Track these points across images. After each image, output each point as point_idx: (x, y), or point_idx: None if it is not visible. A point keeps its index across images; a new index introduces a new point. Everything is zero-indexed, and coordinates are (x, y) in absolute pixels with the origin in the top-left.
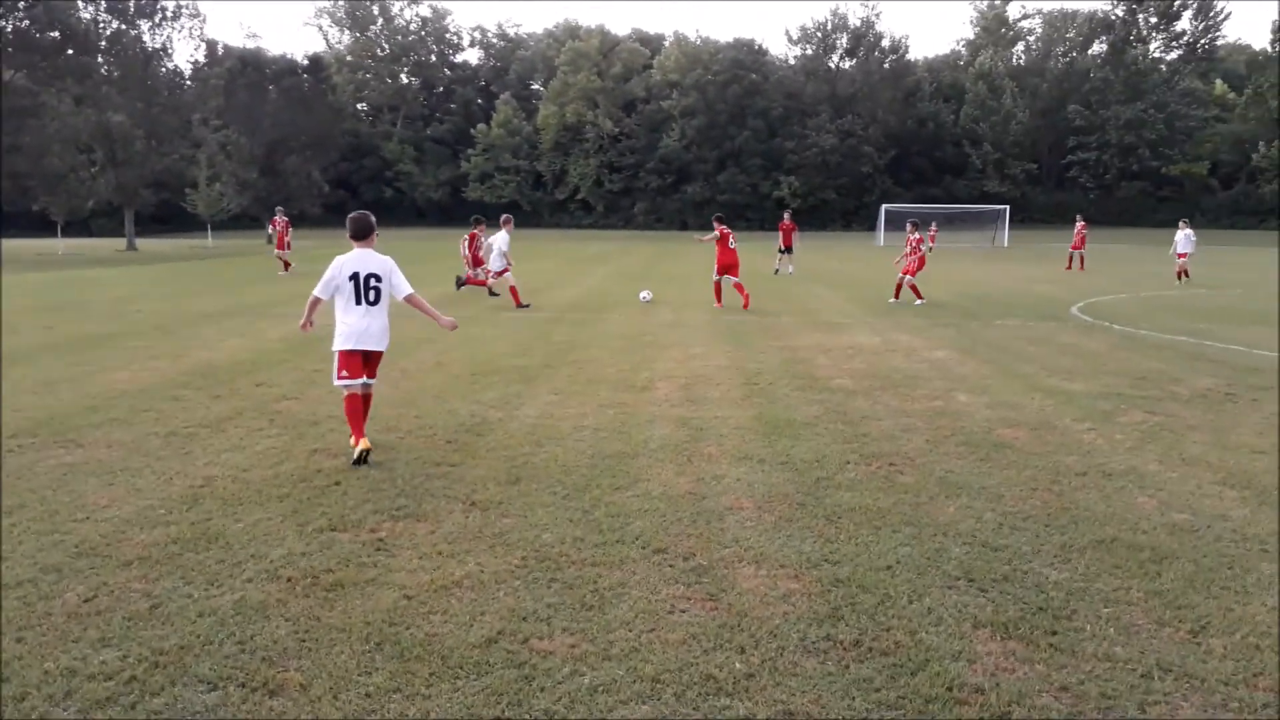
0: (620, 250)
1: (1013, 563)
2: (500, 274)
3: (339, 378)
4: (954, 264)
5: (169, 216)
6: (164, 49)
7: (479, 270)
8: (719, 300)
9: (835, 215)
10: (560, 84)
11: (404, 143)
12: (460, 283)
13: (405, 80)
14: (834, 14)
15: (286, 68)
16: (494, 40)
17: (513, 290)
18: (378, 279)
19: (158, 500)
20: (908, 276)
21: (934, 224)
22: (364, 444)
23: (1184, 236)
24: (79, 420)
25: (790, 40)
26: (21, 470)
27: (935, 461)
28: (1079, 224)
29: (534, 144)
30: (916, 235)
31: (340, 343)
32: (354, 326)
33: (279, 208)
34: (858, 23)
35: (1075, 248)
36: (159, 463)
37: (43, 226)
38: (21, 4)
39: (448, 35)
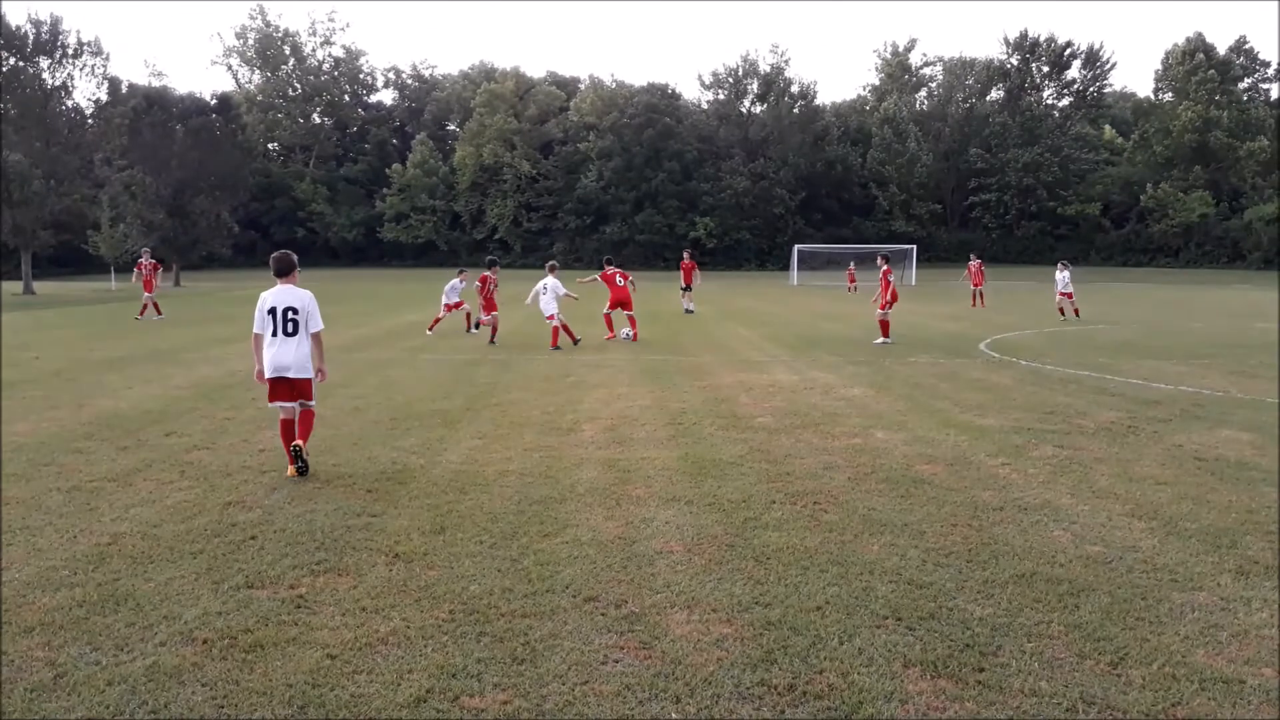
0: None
1: (938, 599)
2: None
3: (270, 402)
4: (865, 303)
5: (69, 259)
6: (64, 86)
7: (492, 315)
8: (610, 331)
9: (750, 255)
10: (477, 125)
11: (317, 183)
12: (475, 325)
13: (318, 120)
14: (744, 60)
15: (194, 107)
16: (409, 81)
17: (559, 330)
18: (295, 311)
19: (61, 560)
20: (882, 312)
21: (851, 263)
22: (291, 470)
23: (1061, 276)
24: None
25: (703, 85)
26: None
27: (858, 499)
28: (973, 262)
29: (450, 184)
30: (886, 267)
31: (267, 372)
32: (274, 356)
33: (145, 250)
34: (768, 69)
35: (976, 284)
36: (61, 520)
37: None
38: None
39: (361, 75)
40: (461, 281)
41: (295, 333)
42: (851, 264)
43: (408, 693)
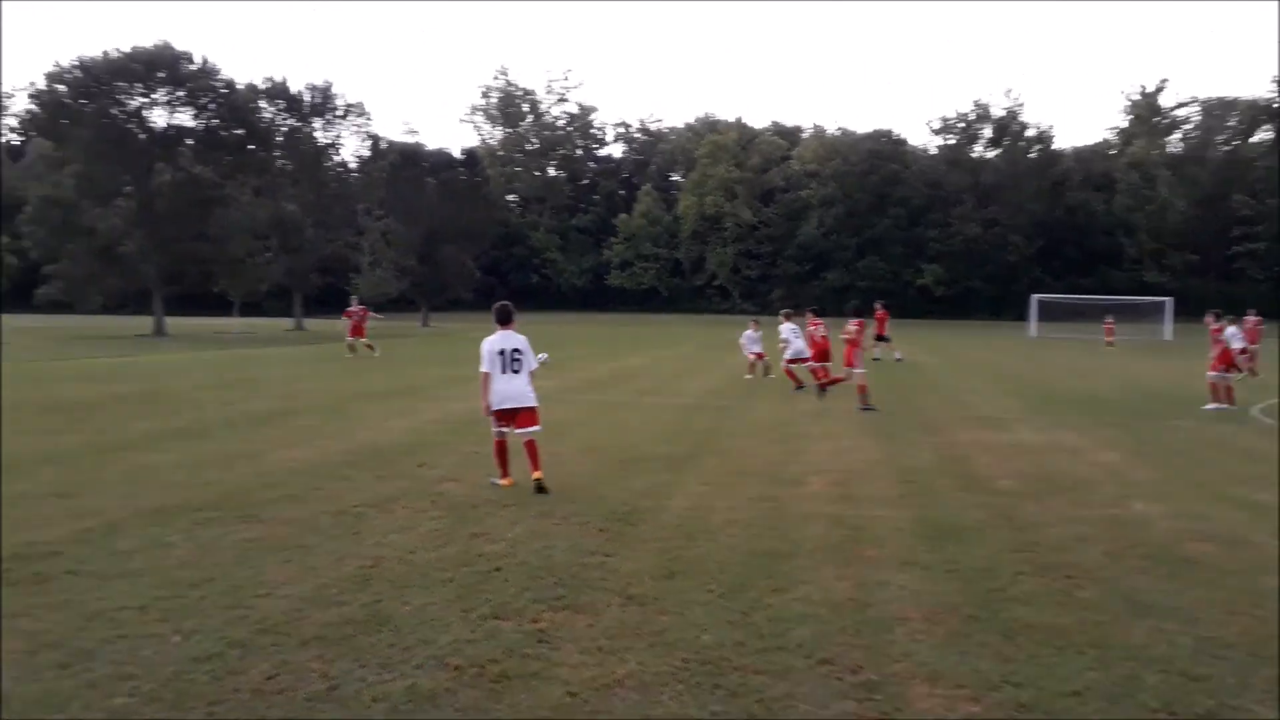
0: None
1: (1217, 696)
2: (791, 361)
3: (497, 427)
4: (1115, 358)
5: (333, 299)
6: (333, 144)
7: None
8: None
9: (981, 304)
10: (699, 175)
11: (550, 232)
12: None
13: (553, 173)
14: (976, 105)
15: (444, 161)
16: (636, 134)
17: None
18: (519, 352)
19: (331, 580)
20: (1214, 374)
21: (1109, 317)
22: (508, 480)
23: None
24: (257, 496)
25: (931, 131)
26: (208, 544)
27: (1117, 576)
28: (1250, 317)
29: (673, 232)
30: (1216, 325)
31: (495, 403)
32: (502, 391)
33: (353, 297)
34: (1001, 113)
35: (1251, 343)
36: (331, 542)
37: (221, 306)
38: (210, 105)
39: (592, 130)
40: (756, 331)
41: (520, 370)
42: (1109, 317)
43: None
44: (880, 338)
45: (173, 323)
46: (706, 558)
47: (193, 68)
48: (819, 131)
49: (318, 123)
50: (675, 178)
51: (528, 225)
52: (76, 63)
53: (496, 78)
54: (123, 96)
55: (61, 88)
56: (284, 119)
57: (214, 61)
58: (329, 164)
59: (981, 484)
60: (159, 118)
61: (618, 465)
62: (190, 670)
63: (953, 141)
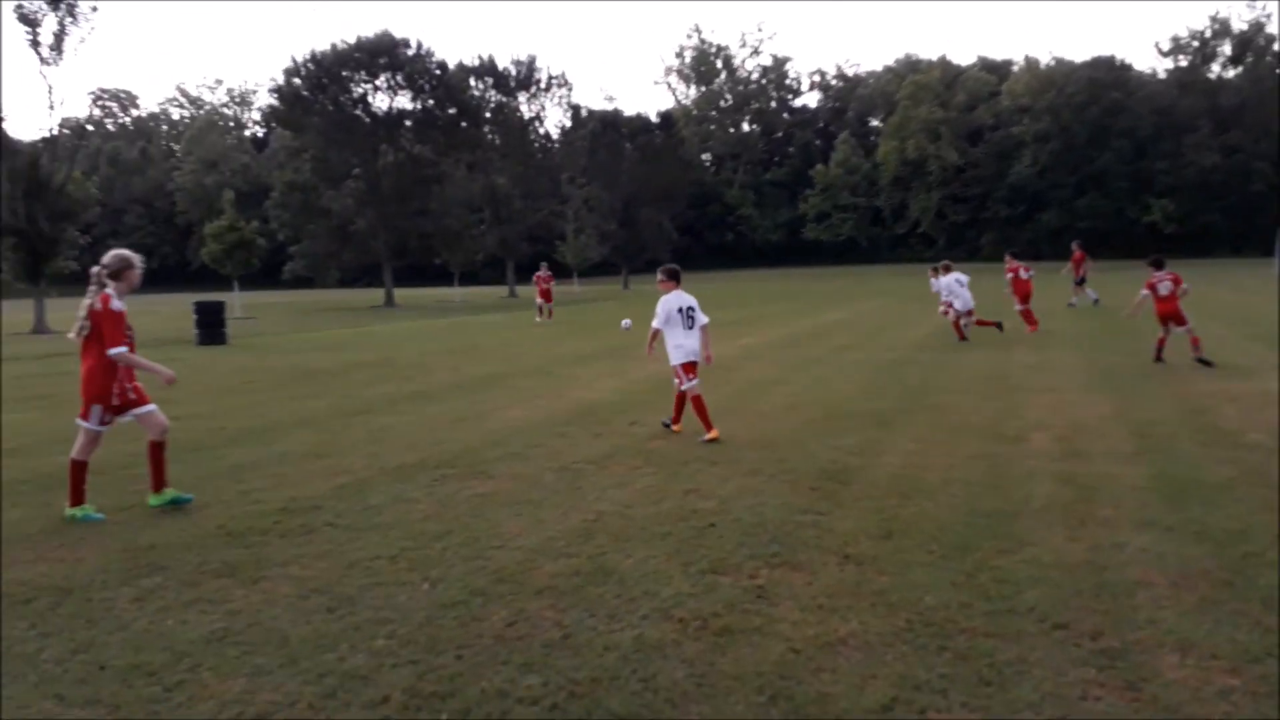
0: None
1: None
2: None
3: (686, 382)
4: None
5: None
6: (538, 117)
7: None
8: (1031, 326)
9: (1220, 240)
10: (900, 118)
11: (744, 188)
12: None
13: (746, 128)
14: (1213, 20)
15: (641, 125)
16: (832, 82)
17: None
18: (693, 309)
19: (558, 532)
20: None
21: None
22: (714, 433)
23: None
24: (486, 454)
25: (1160, 53)
26: (446, 499)
27: None
28: None
29: (873, 180)
30: None
31: (680, 357)
32: (685, 345)
33: (543, 263)
34: (1243, 26)
35: None
36: (555, 496)
37: (441, 277)
38: (427, 87)
39: (787, 81)
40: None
41: (693, 325)
42: None
43: (873, 698)
44: (1078, 281)
45: (401, 294)
46: (924, 517)
47: (409, 53)
48: (1031, 63)
49: (523, 96)
50: (874, 123)
51: (721, 183)
52: (309, 56)
53: (690, 36)
54: (349, 84)
55: (297, 81)
56: (492, 95)
57: (428, 45)
58: (534, 136)
59: (1228, 438)
60: (381, 102)
61: (824, 422)
62: (439, 616)
63: (1185, 63)
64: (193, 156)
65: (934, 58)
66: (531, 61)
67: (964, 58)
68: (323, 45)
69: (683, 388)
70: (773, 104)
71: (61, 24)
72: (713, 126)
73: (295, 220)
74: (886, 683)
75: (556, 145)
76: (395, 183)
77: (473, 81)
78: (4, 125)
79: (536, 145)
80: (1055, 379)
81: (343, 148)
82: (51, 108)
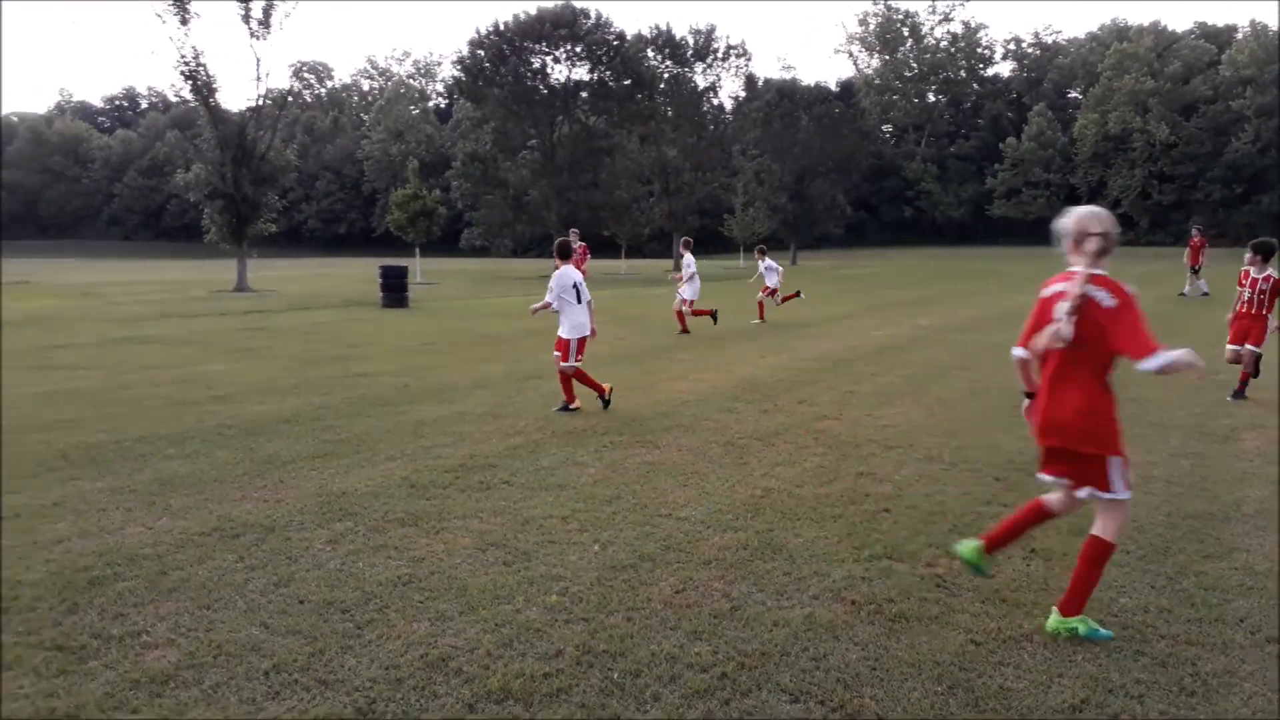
0: (1166, 270)
1: None
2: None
3: (570, 360)
4: None
5: (708, 239)
6: (712, 87)
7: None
8: None
9: None
10: (1103, 90)
11: (927, 161)
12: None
13: (932, 99)
14: None
15: (818, 95)
16: (1029, 50)
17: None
18: (579, 285)
19: (725, 505)
20: None
21: None
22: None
23: None
24: (653, 424)
25: None
26: (615, 464)
27: None
28: None
29: (1068, 156)
30: None
31: (574, 332)
32: (579, 321)
33: (573, 230)
34: None
35: None
36: (722, 470)
37: (609, 249)
38: (604, 58)
39: (979, 49)
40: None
41: (581, 301)
42: None
43: (1059, 697)
44: (1194, 269)
45: None
46: None
47: (588, 23)
48: (1258, 29)
49: (699, 67)
50: (1073, 94)
51: (902, 156)
52: (492, 28)
53: (875, 3)
54: (530, 56)
55: (480, 53)
56: (667, 66)
57: (607, 16)
58: (707, 107)
59: None
60: (559, 74)
61: (1010, 411)
62: (609, 577)
63: None
64: (380, 127)
65: (1144, 23)
66: (710, 31)
67: (1180, 23)
68: (506, 17)
69: (561, 365)
70: (962, 73)
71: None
72: (895, 97)
73: (474, 190)
74: (1076, 683)
75: (729, 116)
76: (569, 154)
77: (650, 52)
78: (216, 96)
79: (709, 116)
80: (1270, 376)
81: (521, 119)
82: (258, 79)
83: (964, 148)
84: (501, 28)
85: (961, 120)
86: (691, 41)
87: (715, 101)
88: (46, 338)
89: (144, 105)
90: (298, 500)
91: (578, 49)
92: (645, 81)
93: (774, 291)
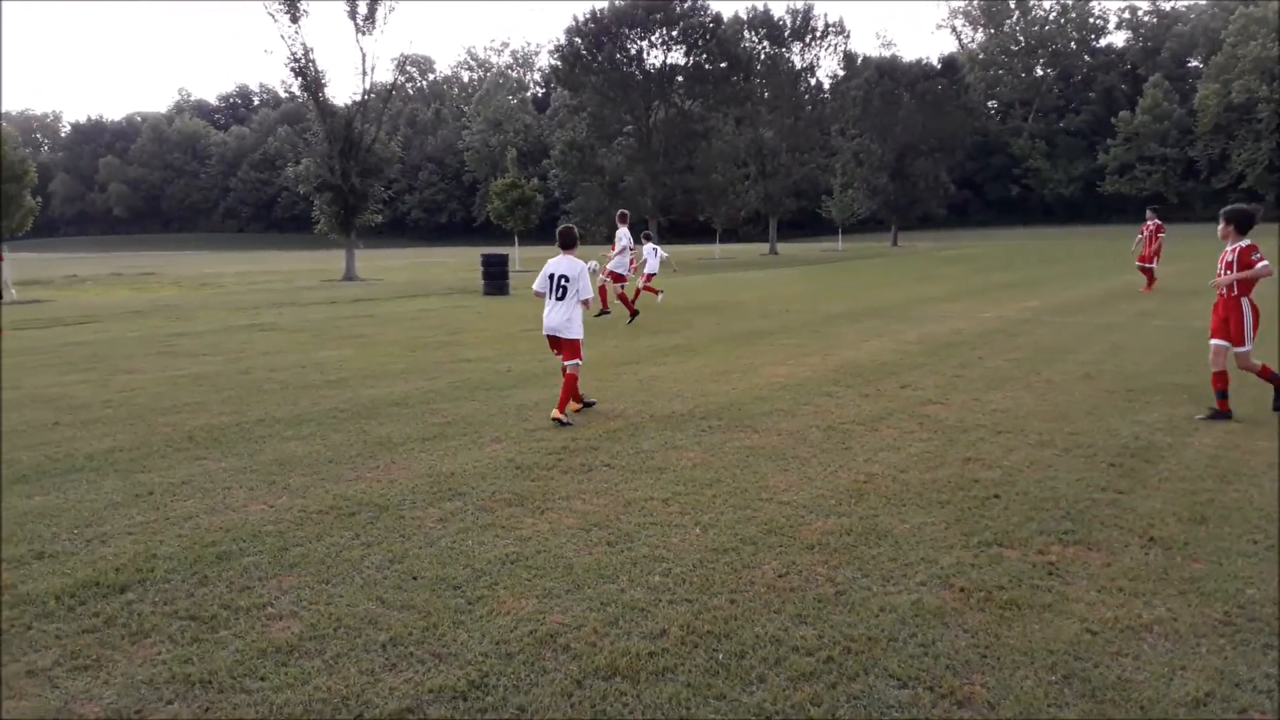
0: None
1: None
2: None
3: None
4: None
5: (805, 221)
6: (810, 67)
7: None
8: None
9: None
10: (1226, 58)
11: (1035, 137)
12: None
13: (1040, 72)
14: None
15: (920, 72)
16: (1145, 18)
17: None
18: (566, 279)
19: (827, 490)
20: None
21: None
22: (561, 414)
23: None
24: (751, 408)
25: None
26: (714, 448)
27: None
28: None
29: (1186, 129)
30: None
31: (545, 328)
32: (547, 315)
33: (621, 213)
34: None
35: None
36: (823, 454)
37: (703, 234)
38: (700, 41)
39: (1091, 20)
40: None
41: (564, 297)
42: None
43: (1182, 690)
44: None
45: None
46: (1246, 504)
47: (684, 6)
48: None
49: (796, 47)
50: (1193, 63)
51: (1008, 132)
52: (589, 15)
53: None
54: (626, 42)
55: (578, 40)
56: (764, 47)
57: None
58: (804, 88)
59: None
60: (655, 58)
61: (1124, 395)
62: (711, 560)
63: None
64: (480, 117)
65: None
66: (808, 10)
67: None
68: (602, 4)
69: (565, 364)
70: (1072, 45)
71: None
72: (1001, 71)
73: (571, 178)
74: (1199, 675)
75: (827, 96)
76: (664, 139)
77: (746, 34)
78: (325, 91)
79: (806, 96)
80: None
81: (617, 105)
82: (364, 74)
83: (1074, 122)
84: (599, 14)
85: (1071, 94)
86: (789, 21)
87: (813, 81)
88: (170, 326)
89: (256, 102)
90: (409, 480)
91: (673, 32)
92: (741, 63)
93: (650, 277)
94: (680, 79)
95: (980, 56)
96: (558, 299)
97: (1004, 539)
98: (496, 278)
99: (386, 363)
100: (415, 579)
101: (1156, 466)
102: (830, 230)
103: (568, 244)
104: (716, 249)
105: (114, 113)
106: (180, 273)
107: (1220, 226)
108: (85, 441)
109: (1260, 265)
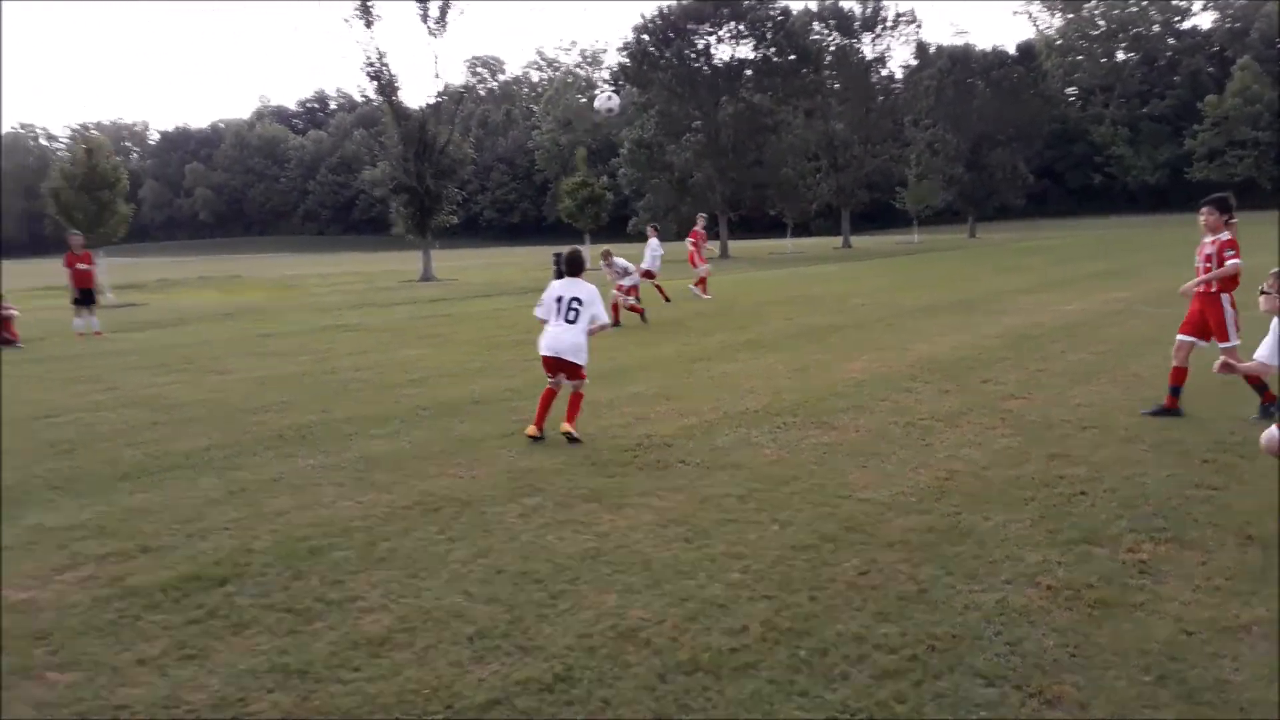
0: None
1: None
2: None
3: (567, 383)
4: None
5: (878, 214)
6: (881, 58)
7: None
8: None
9: None
10: None
11: (1117, 124)
12: None
13: (1121, 57)
14: None
15: (995, 60)
16: None
17: None
18: (579, 301)
19: (908, 488)
20: None
21: None
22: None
23: None
24: (828, 404)
25: None
26: (790, 445)
27: None
28: None
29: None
30: None
31: (543, 350)
32: (547, 335)
33: (700, 215)
34: None
35: None
36: (903, 451)
37: (773, 228)
38: (768, 34)
39: (1175, 2)
40: None
41: (575, 321)
42: None
43: None
44: None
45: (733, 246)
46: None
47: (751, 1)
48: None
49: (866, 37)
50: None
51: (1089, 119)
52: (656, 12)
53: None
54: (693, 37)
55: (645, 38)
56: (833, 39)
57: None
58: (876, 78)
59: None
60: (723, 53)
61: (1218, 388)
62: (790, 557)
63: None
64: (550, 117)
65: None
66: (878, 2)
67: None
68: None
69: (571, 384)
70: (1155, 28)
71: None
72: (1080, 57)
73: (640, 175)
74: None
75: (899, 86)
76: (733, 134)
77: (815, 25)
78: (399, 94)
79: (878, 87)
80: None
81: (685, 101)
82: (436, 76)
83: (1158, 108)
84: (666, 11)
85: (1155, 78)
86: (859, 11)
87: (884, 72)
88: (258, 327)
89: (333, 106)
90: (490, 476)
91: (741, 26)
92: (811, 55)
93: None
94: (748, 73)
95: (1058, 42)
96: (568, 321)
97: (1092, 537)
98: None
99: (465, 361)
100: (499, 573)
101: (1254, 463)
102: (904, 222)
103: (576, 269)
104: (788, 243)
105: (199, 120)
106: (264, 275)
107: (1205, 216)
108: (182, 440)
109: (1231, 263)
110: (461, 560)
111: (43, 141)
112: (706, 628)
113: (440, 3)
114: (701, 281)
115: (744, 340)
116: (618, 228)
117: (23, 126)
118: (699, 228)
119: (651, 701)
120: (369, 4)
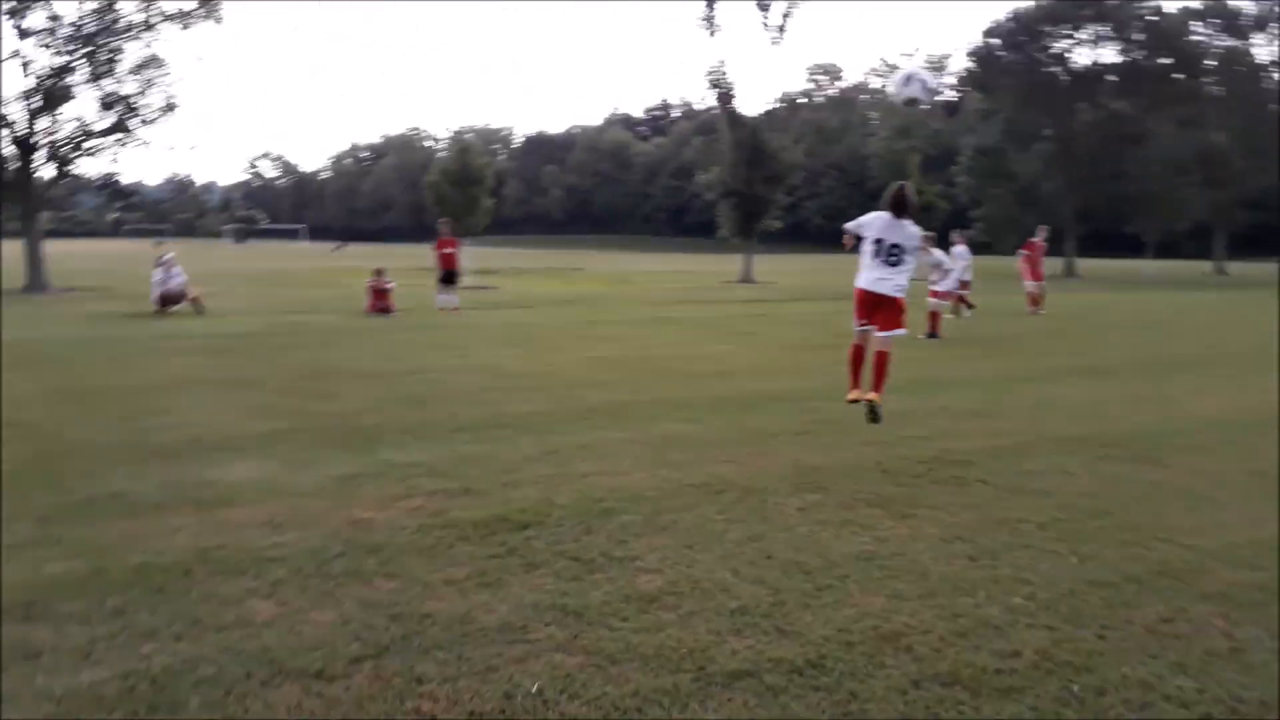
0: None
1: None
2: None
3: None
4: None
5: (1265, 237)
6: (1277, 61)
7: None
8: None
9: None
10: None
11: None
12: None
13: None
14: None
15: None
16: None
17: None
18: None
19: (1243, 540)
20: None
21: None
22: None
23: None
24: (1163, 441)
25: None
26: (1108, 479)
27: None
28: None
29: None
30: None
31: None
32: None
33: (1041, 228)
34: None
35: None
36: (1245, 501)
37: (1129, 248)
38: (1137, 36)
39: None
40: None
41: (896, 265)
42: None
43: None
44: None
45: (1082, 265)
46: None
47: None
48: None
49: (1259, 39)
50: None
51: None
52: (1010, 15)
53: None
54: (1048, 41)
55: (995, 41)
56: (1218, 40)
57: None
58: (1268, 85)
59: None
60: (1081, 57)
61: None
62: (1084, 591)
63: None
64: (887, 123)
65: None
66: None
67: None
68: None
69: (880, 335)
70: None
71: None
72: None
73: (979, 184)
74: None
75: None
76: (1089, 143)
77: (1195, 25)
78: (735, 101)
79: (1271, 96)
80: None
81: (1035, 108)
82: (773, 83)
83: None
84: (1020, 14)
85: None
86: (1253, 10)
87: (1277, 77)
88: (591, 314)
89: (675, 114)
90: (776, 469)
91: (1104, 28)
92: (1187, 59)
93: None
94: (1111, 78)
95: None
96: (888, 263)
97: None
98: None
99: (770, 360)
100: (769, 558)
101: None
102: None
103: (901, 209)
104: (1146, 264)
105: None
106: (603, 270)
107: None
108: (512, 404)
109: None
110: (735, 541)
111: (427, 144)
112: (975, 645)
113: (785, 6)
114: (1032, 299)
115: (1079, 365)
116: (945, 239)
117: (412, 130)
118: (1039, 239)
119: (901, 704)
120: (711, 13)
